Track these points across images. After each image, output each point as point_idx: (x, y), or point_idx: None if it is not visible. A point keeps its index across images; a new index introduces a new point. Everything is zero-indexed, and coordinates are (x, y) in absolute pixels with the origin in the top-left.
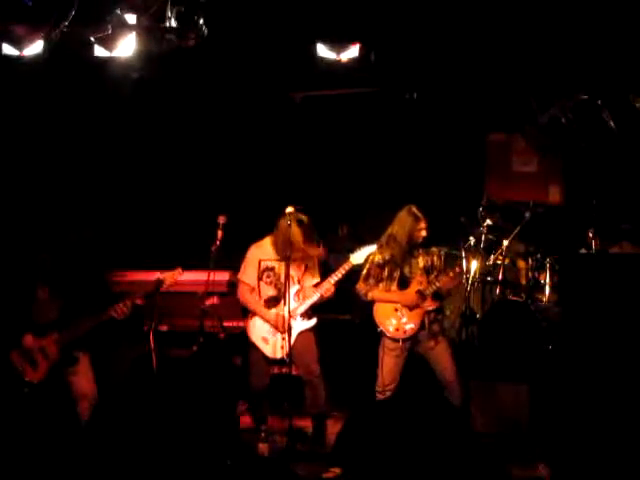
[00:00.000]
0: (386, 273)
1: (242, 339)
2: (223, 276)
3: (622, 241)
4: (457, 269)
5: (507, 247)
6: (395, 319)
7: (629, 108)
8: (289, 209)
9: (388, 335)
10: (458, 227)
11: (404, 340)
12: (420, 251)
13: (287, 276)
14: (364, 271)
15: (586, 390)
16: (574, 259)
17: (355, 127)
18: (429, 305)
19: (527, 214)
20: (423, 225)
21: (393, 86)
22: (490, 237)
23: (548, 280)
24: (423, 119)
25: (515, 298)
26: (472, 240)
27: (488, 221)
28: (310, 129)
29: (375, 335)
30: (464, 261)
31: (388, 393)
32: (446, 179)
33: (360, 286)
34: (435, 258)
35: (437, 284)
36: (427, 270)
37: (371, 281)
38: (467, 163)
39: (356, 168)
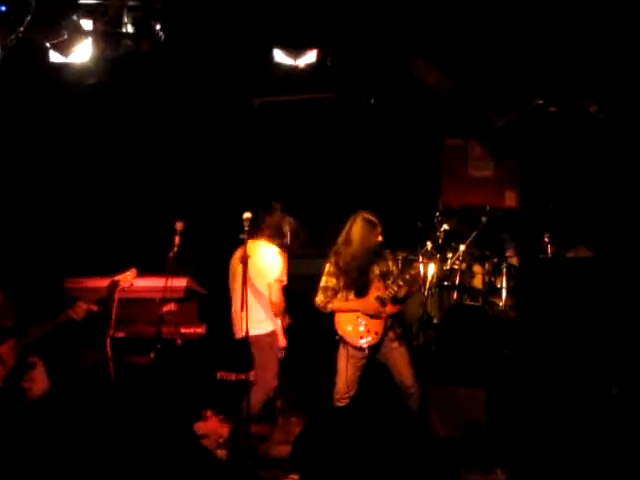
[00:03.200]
0: (343, 282)
1: (199, 345)
2: (180, 282)
3: (578, 245)
4: (413, 271)
5: (464, 252)
6: (357, 327)
7: (583, 113)
8: (247, 215)
9: (351, 344)
10: (415, 232)
11: (367, 348)
12: (376, 257)
13: (244, 279)
14: (321, 283)
15: (542, 394)
16: (531, 263)
17: (313, 133)
18: (390, 310)
19: (484, 219)
20: (378, 231)
21: (350, 91)
22: (447, 242)
23: (505, 284)
24: (380, 124)
25: (472, 303)
26: (429, 245)
27: (445, 226)
28: (268, 135)
29: (330, 338)
30: (421, 266)
31: (346, 401)
32: (403, 184)
33: (319, 299)
34: (390, 263)
35: (395, 288)
36: (384, 275)
37: (329, 293)
38: (424, 168)
39: (314, 174)
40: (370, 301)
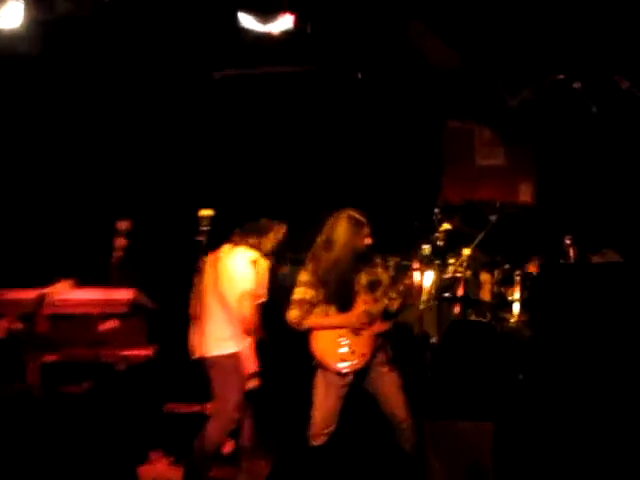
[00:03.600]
0: (322, 294)
1: (147, 371)
2: (124, 294)
3: (605, 249)
4: (407, 280)
5: (469, 257)
6: (340, 348)
7: (614, 90)
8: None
9: (330, 368)
10: (410, 233)
11: (351, 373)
12: (362, 263)
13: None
14: (295, 295)
15: (563, 429)
16: (549, 270)
17: (287, 113)
18: (379, 327)
19: (493, 217)
20: (366, 231)
21: (333, 64)
22: (448, 245)
23: (517, 296)
24: (369, 104)
25: (478, 318)
26: (426, 249)
27: (446, 225)
28: (233, 117)
29: (307, 361)
30: (417, 274)
31: (324, 438)
32: (396, 175)
33: (293, 314)
34: (380, 271)
35: (385, 301)
36: (372, 286)
37: (305, 306)
38: (421, 157)
39: (289, 162)
40: (356, 316)
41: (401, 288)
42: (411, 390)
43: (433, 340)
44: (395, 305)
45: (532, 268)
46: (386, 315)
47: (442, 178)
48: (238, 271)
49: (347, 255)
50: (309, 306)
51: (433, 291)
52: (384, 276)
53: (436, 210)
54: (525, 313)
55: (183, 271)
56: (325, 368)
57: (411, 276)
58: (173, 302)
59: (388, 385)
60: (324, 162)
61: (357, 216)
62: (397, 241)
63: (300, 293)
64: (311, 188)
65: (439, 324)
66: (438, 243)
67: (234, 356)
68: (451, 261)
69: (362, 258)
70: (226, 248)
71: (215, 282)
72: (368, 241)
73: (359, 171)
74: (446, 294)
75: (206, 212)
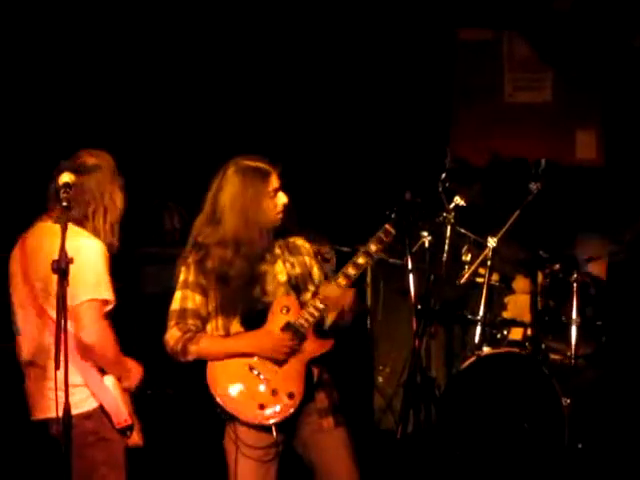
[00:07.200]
0: (216, 300)
1: None
2: None
3: None
4: (351, 270)
5: (495, 251)
6: (253, 387)
7: None
8: None
9: (245, 421)
10: (399, 209)
11: (276, 428)
12: (279, 245)
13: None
14: (173, 304)
15: None
16: (625, 274)
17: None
18: (314, 350)
19: (534, 186)
20: (275, 185)
21: None
22: (462, 231)
23: (575, 315)
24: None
25: (511, 349)
26: (426, 237)
27: (458, 199)
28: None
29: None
30: (411, 277)
31: None
32: (381, 120)
33: (172, 335)
34: (306, 257)
35: (319, 306)
36: (296, 282)
37: (191, 321)
38: (418, 90)
39: (213, 96)
40: (272, 334)
41: (351, 272)
42: (401, 462)
43: (439, 386)
44: (334, 309)
45: (596, 269)
46: (321, 331)
47: (452, 124)
48: (77, 265)
49: (249, 230)
50: (197, 320)
51: (438, 305)
52: (313, 263)
53: (443, 175)
54: (587, 341)
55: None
56: (235, 421)
57: (366, 254)
58: None
59: (333, 449)
60: (274, 96)
61: (255, 163)
62: (376, 222)
63: (178, 301)
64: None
65: (449, 358)
66: (446, 227)
67: (95, 416)
68: (466, 257)
69: (278, 233)
70: (43, 227)
71: (63, 290)
72: (281, 200)
73: (328, 114)
74: (463, 312)
75: (65, 178)
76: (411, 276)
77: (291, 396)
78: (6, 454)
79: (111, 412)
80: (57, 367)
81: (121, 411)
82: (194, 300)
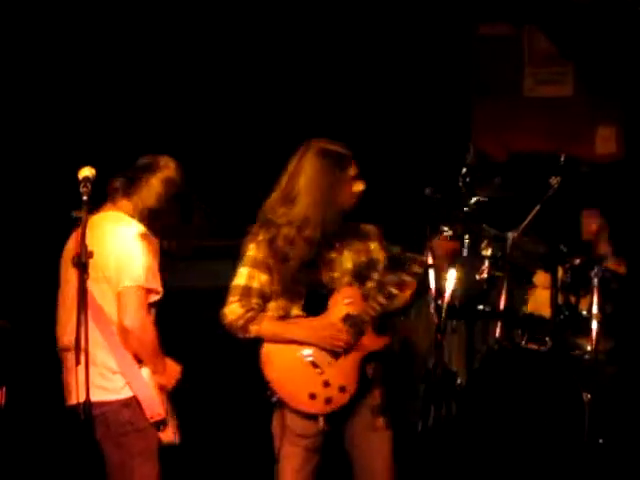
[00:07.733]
0: (281, 282)
1: None
2: None
3: None
4: (417, 268)
5: (515, 245)
6: (306, 375)
7: None
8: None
9: (294, 408)
10: (420, 207)
11: (327, 418)
12: (349, 233)
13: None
14: (236, 280)
15: None
16: None
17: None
18: (371, 345)
19: (554, 181)
20: (353, 172)
21: None
22: (483, 226)
23: (596, 310)
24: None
25: (533, 345)
26: (447, 231)
27: (478, 194)
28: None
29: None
30: (431, 272)
31: None
32: (400, 116)
33: (232, 310)
34: (374, 247)
35: (383, 300)
36: (361, 271)
37: (253, 300)
38: (437, 84)
39: (211, 96)
40: (332, 323)
41: (408, 277)
42: (420, 461)
43: (459, 381)
44: (397, 305)
45: (616, 265)
46: (381, 325)
47: (472, 118)
48: (118, 253)
49: (321, 213)
50: (259, 299)
51: (457, 301)
52: (380, 255)
53: (463, 170)
54: (608, 338)
55: (55, 267)
56: (285, 408)
57: (422, 262)
58: (35, 319)
59: (378, 451)
60: (283, 95)
61: (336, 148)
62: (400, 219)
63: (244, 277)
64: (259, 138)
65: (468, 355)
66: (466, 222)
67: (130, 404)
68: (486, 252)
69: (349, 220)
70: (91, 222)
71: (84, 284)
72: (358, 187)
73: (345, 110)
74: (480, 306)
75: (86, 172)
76: (431, 271)
77: (342, 389)
78: (41, 442)
79: (144, 404)
80: (77, 362)
81: (155, 403)
82: (259, 279)
